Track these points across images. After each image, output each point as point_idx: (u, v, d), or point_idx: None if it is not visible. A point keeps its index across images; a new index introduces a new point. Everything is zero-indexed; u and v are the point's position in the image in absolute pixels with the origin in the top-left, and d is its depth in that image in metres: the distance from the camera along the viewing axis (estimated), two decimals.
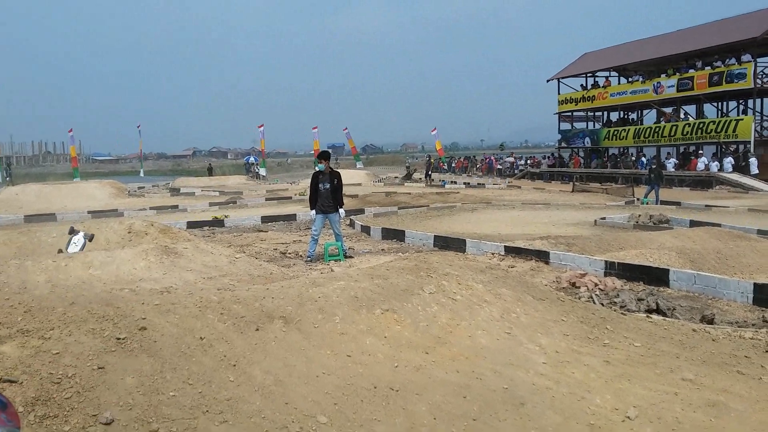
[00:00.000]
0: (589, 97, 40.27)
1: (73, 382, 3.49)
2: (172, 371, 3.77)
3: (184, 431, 3.30)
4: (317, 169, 10.98)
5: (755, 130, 29.37)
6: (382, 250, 12.03)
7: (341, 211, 10.90)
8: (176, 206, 22.81)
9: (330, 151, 12.24)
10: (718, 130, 30.39)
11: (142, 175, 48.95)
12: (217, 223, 16.75)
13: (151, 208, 21.69)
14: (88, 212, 20.27)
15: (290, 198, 25.76)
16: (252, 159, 51.78)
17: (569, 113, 43.12)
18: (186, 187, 36.54)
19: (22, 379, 3.41)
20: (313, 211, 10.87)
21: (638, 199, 22.96)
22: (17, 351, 3.66)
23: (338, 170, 11.71)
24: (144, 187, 38.71)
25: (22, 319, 4.36)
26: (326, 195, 10.71)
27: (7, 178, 33.42)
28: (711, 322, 6.42)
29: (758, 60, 29.71)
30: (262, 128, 46.90)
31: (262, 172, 46.76)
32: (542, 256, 9.95)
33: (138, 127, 46.12)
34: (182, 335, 4.16)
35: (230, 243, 12.56)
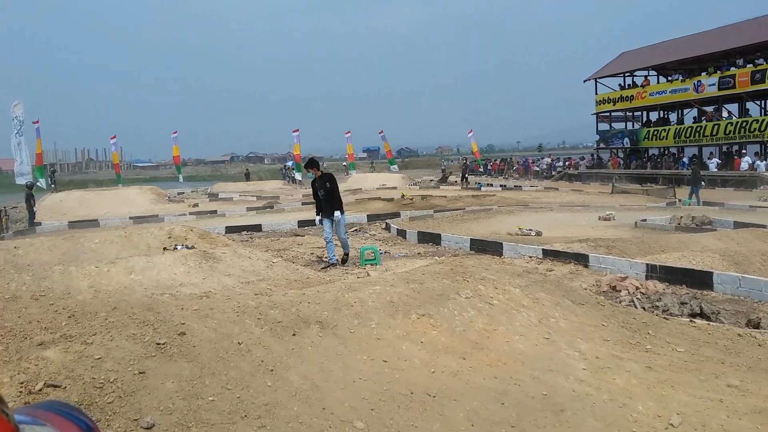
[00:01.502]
0: (627, 96, 39.58)
1: (115, 387, 3.55)
2: (211, 376, 3.81)
3: None
4: (308, 178, 11.50)
5: None
6: (418, 253, 12.00)
7: (336, 213, 10.82)
8: (215, 211, 23.12)
9: (316, 159, 12.32)
10: (762, 128, 29.56)
11: (181, 180, 49.71)
12: (255, 227, 16.92)
13: (190, 213, 22.03)
14: (130, 218, 20.70)
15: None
16: (289, 164, 52.23)
17: (607, 113, 42.43)
18: (224, 192, 37.02)
19: (65, 383, 3.49)
20: (318, 218, 11.15)
21: (680, 200, 22.46)
22: (61, 356, 3.74)
23: (329, 172, 11.88)
24: (183, 193, 39.33)
25: (65, 324, 4.46)
26: (323, 200, 10.94)
27: (52, 185, 34.30)
28: (757, 326, 6.23)
29: None
30: (297, 133, 47.27)
31: (298, 176, 47.12)
32: (581, 260, 9.80)
33: (174, 134, 46.86)
34: (220, 340, 4.20)
35: (267, 247, 12.67)
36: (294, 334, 4.43)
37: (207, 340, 4.18)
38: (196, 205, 26.02)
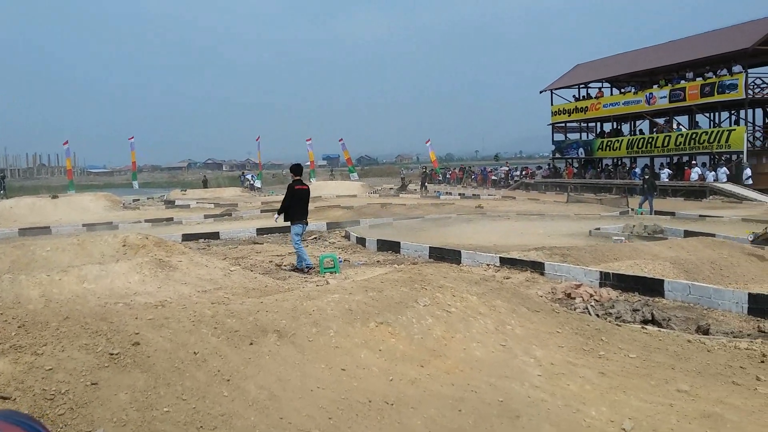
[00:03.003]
0: (581, 108, 40.46)
1: (67, 399, 3.47)
2: (166, 387, 3.75)
3: None
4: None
5: (747, 140, 29.54)
6: (378, 261, 12.02)
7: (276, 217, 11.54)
8: (171, 219, 22.75)
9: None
10: (711, 140, 30.55)
11: (136, 187, 48.78)
12: (212, 235, 16.71)
13: (146, 221, 21.63)
14: (83, 225, 20.20)
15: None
16: (249, 176, 51.79)
17: (562, 124, 43.30)
18: (181, 199, 36.46)
19: (15, 395, 3.39)
20: (277, 216, 11.88)
21: (632, 210, 23.02)
22: (10, 367, 3.63)
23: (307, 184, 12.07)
24: (138, 200, 38.62)
25: (15, 335, 4.35)
26: (303, 208, 11.25)
27: (2, 192, 33.25)
28: (706, 332, 6.43)
29: (749, 71, 29.91)
30: (258, 140, 46.99)
31: (258, 184, 46.74)
32: (537, 267, 9.95)
33: (130, 139, 46.00)
34: (176, 350, 4.14)
35: (225, 255, 12.53)
36: (251, 343, 4.39)
37: (162, 350, 4.11)
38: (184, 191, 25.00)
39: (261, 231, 17.35)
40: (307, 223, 11.30)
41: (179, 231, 17.79)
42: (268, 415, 3.66)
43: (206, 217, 23.42)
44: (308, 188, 11.37)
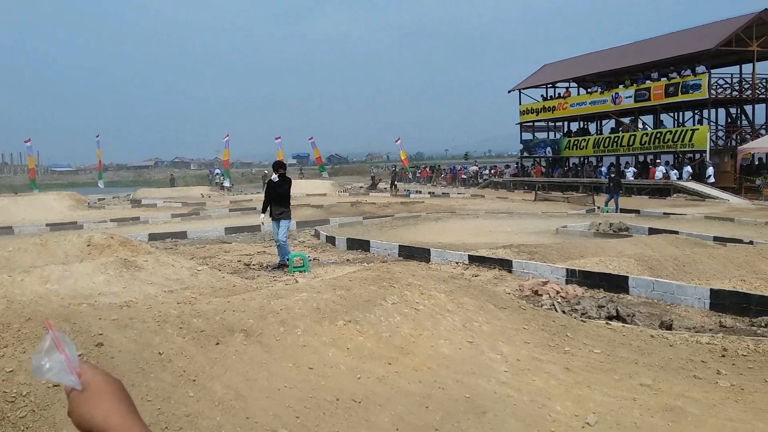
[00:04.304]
0: (549, 107, 40.93)
1: (28, 401, 3.40)
2: (130, 388, 3.68)
3: None
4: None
5: (710, 140, 30.19)
6: (347, 260, 12.01)
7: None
8: (137, 218, 22.44)
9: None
10: (675, 139, 31.15)
11: (101, 186, 47.98)
12: (179, 234, 16.52)
13: (111, 220, 21.30)
14: (47, 225, 19.81)
15: (255, 209, 25.55)
16: (217, 171, 51.36)
17: (530, 123, 43.75)
18: (147, 198, 35.98)
19: None
20: (262, 216, 11.81)
21: (599, 208, 23.38)
22: None
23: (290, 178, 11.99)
24: (104, 199, 38.01)
25: None
26: (283, 203, 11.12)
27: None
28: (669, 327, 6.55)
29: (712, 71, 30.59)
30: (227, 139, 46.54)
31: (226, 183, 46.34)
32: (505, 265, 10.05)
33: (97, 137, 45.25)
34: (140, 351, 4.08)
35: (193, 255, 12.39)
36: (218, 343, 4.35)
37: (126, 350, 4.06)
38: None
39: (230, 230, 17.22)
40: (285, 219, 11.07)
41: (146, 230, 17.58)
42: (235, 414, 3.63)
43: (173, 216, 23.15)
44: (285, 179, 11.15)
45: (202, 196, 37.47)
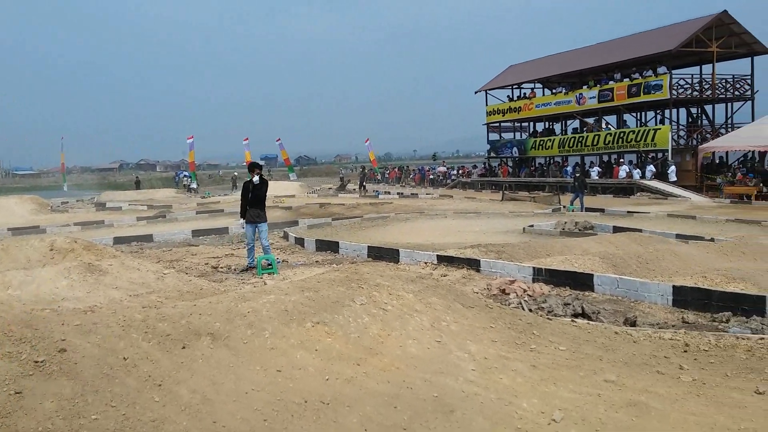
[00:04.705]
0: (515, 108, 41.35)
1: None
2: (94, 394, 3.65)
3: None
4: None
5: (672, 139, 30.81)
6: (316, 261, 11.98)
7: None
8: (102, 221, 22.08)
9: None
10: (638, 139, 31.72)
11: (65, 189, 47.10)
12: (145, 238, 16.29)
13: (75, 224, 20.91)
14: (8, 229, 19.35)
15: (222, 211, 25.32)
16: (184, 173, 50.79)
17: (497, 124, 44.14)
18: (112, 201, 35.41)
19: None
20: (242, 221, 11.11)
21: (564, 207, 23.70)
22: None
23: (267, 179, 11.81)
24: (68, 202, 37.32)
25: None
26: (259, 205, 10.92)
27: None
28: (633, 324, 6.68)
29: (673, 72, 31.22)
30: (191, 140, 46.02)
31: (193, 185, 45.84)
32: (473, 264, 10.13)
33: (61, 139, 44.46)
34: (104, 356, 4.02)
35: (159, 258, 12.24)
36: (184, 347, 4.31)
37: (90, 356, 3.99)
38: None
39: (197, 233, 17.04)
40: (261, 222, 10.89)
41: (110, 234, 17.32)
42: (201, 419, 3.60)
43: (139, 219, 22.83)
44: (263, 182, 11.01)
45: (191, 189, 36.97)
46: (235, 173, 60.73)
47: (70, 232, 18.46)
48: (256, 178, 10.78)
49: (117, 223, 21.70)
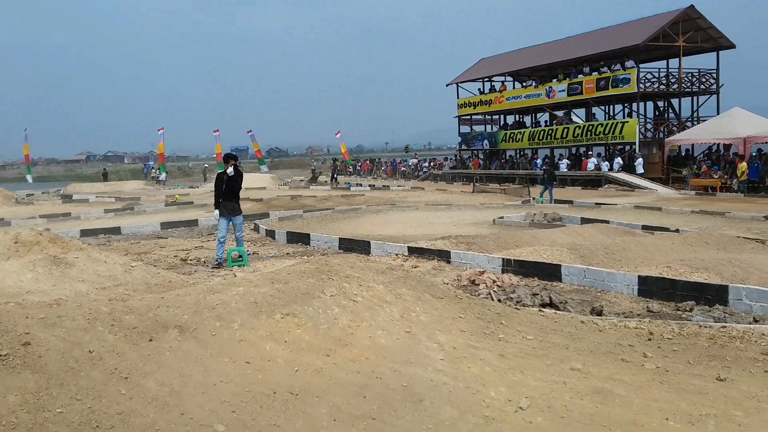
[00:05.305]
0: (486, 101, 41.60)
1: None
2: (59, 387, 3.60)
3: None
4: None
5: (639, 132, 31.29)
6: (287, 254, 11.95)
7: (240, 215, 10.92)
8: (68, 214, 21.70)
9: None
10: (606, 132, 32.17)
11: (30, 181, 46.16)
12: (113, 230, 16.06)
13: (41, 217, 20.52)
14: None
15: (192, 203, 25.06)
16: (151, 164, 50.13)
17: (468, 116, 44.36)
18: (79, 193, 34.81)
19: None
20: (217, 212, 10.80)
21: (534, 199, 23.95)
22: None
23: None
24: (33, 195, 36.60)
25: None
26: (233, 198, 10.75)
27: None
28: (600, 313, 6.79)
29: (641, 66, 31.67)
30: (161, 131, 45.42)
31: (162, 176, 45.26)
32: (444, 256, 10.19)
33: (24, 130, 43.50)
34: (70, 349, 3.97)
35: (127, 251, 12.09)
36: (151, 340, 4.27)
37: (55, 349, 3.94)
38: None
39: (165, 225, 16.86)
40: (236, 215, 10.71)
41: (77, 226, 17.06)
42: (169, 411, 3.58)
43: (106, 211, 22.50)
44: (238, 173, 10.78)
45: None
46: (206, 165, 60.12)
47: (35, 224, 18.11)
48: (230, 170, 10.51)
49: (84, 215, 21.35)
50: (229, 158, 10.80)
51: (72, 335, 4.14)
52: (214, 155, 48.27)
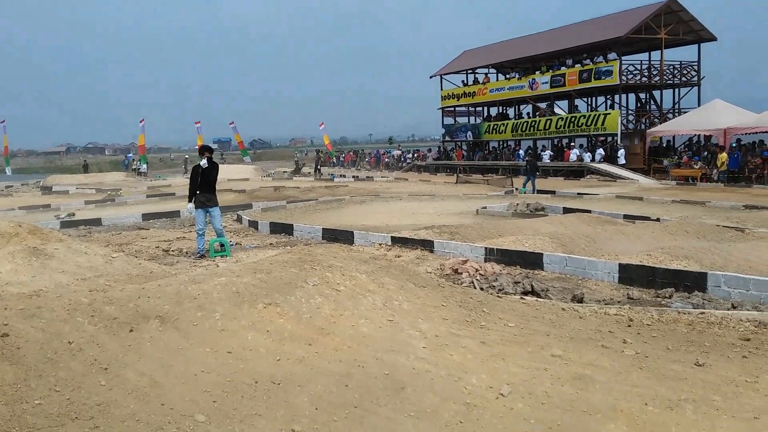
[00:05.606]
0: (469, 93, 41.62)
1: None
2: (38, 378, 3.57)
3: None
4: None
5: (621, 123, 31.49)
6: (270, 244, 11.91)
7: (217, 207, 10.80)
8: (48, 205, 21.47)
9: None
10: (588, 123, 32.33)
11: (8, 173, 45.56)
12: (94, 221, 15.90)
13: (20, 208, 20.28)
14: None
15: (174, 194, 24.87)
16: (131, 156, 49.71)
17: (452, 108, 44.37)
18: (59, 185, 34.43)
19: None
20: (191, 205, 10.74)
21: (517, 189, 24.05)
22: None
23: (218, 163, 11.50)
24: (12, 186, 36.14)
25: None
26: (209, 190, 10.59)
27: None
28: (581, 301, 6.85)
29: (623, 58, 31.83)
30: (142, 123, 45.02)
31: (143, 168, 44.87)
32: (427, 245, 10.21)
33: (2, 122, 42.91)
34: (49, 340, 3.93)
35: (108, 242, 11.97)
36: (131, 330, 4.24)
37: (33, 340, 3.90)
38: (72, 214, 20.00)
39: (147, 216, 16.72)
40: (212, 207, 10.56)
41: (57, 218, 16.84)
42: (149, 402, 3.56)
43: (87, 203, 22.27)
44: (214, 165, 10.67)
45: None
46: (186, 156, 59.66)
47: (14, 216, 17.88)
48: (203, 161, 10.42)
49: (64, 207, 21.13)
50: (204, 150, 10.73)
51: (51, 326, 4.10)
52: (196, 147, 47.95)
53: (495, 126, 39.56)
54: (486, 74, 41.75)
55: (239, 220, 15.59)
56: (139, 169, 45.10)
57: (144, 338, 4.20)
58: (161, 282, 5.51)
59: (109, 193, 27.31)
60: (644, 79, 32.23)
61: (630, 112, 34.59)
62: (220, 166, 11.41)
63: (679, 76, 32.64)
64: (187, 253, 10.79)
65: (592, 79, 32.05)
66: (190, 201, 10.71)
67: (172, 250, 11.10)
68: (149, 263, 8.90)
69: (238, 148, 56.64)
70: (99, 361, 3.85)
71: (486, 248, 9.42)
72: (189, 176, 11.06)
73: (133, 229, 14.78)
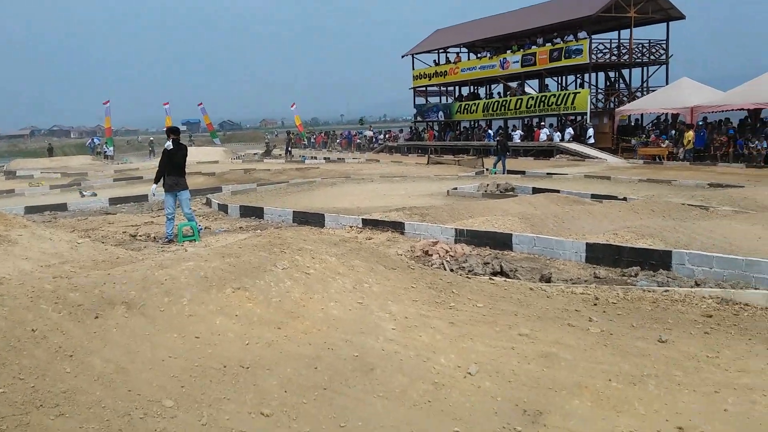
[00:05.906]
0: (441, 72, 41.58)
1: None
2: (1, 367, 3.52)
3: (15, 428, 3.10)
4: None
5: (591, 102, 31.78)
6: (240, 228, 11.84)
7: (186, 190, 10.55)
8: (12, 191, 21.01)
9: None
10: (559, 102, 32.56)
11: None
12: (59, 207, 15.61)
13: None
14: None
15: (141, 178, 24.51)
16: (96, 140, 48.77)
17: (423, 88, 44.33)
18: (23, 169, 33.68)
19: None
20: (155, 186, 10.78)
21: (488, 170, 24.19)
22: None
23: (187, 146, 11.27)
24: None
25: None
26: (177, 173, 10.33)
27: None
28: (548, 280, 6.94)
29: (593, 36, 32.04)
30: (107, 104, 44.15)
31: (110, 151, 44.10)
32: (398, 227, 10.24)
33: None
34: (11, 328, 3.87)
35: (74, 228, 11.78)
36: (97, 317, 4.19)
37: None
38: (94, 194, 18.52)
39: (114, 201, 16.47)
40: (180, 190, 10.30)
41: (21, 203, 16.49)
42: (115, 388, 3.53)
43: (52, 187, 21.84)
44: (181, 147, 10.41)
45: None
46: (152, 138, 58.75)
47: None
48: (168, 143, 10.17)
49: (28, 192, 20.70)
50: (170, 132, 10.47)
51: (14, 314, 4.03)
52: (164, 129, 47.21)
53: (466, 106, 39.64)
54: (458, 53, 41.73)
55: (209, 203, 15.45)
56: (105, 152, 44.32)
57: (110, 325, 4.15)
58: (127, 268, 5.44)
59: (74, 178, 26.80)
60: (614, 57, 32.52)
61: (599, 91, 34.92)
62: (189, 148, 11.24)
63: (647, 55, 32.99)
64: (155, 238, 10.67)
65: (563, 58, 32.23)
66: (155, 183, 10.63)
67: (140, 235, 10.97)
68: (116, 249, 8.78)
69: (207, 130, 55.94)
70: (64, 348, 3.80)
71: (456, 229, 9.48)
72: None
73: (100, 214, 14.56)
